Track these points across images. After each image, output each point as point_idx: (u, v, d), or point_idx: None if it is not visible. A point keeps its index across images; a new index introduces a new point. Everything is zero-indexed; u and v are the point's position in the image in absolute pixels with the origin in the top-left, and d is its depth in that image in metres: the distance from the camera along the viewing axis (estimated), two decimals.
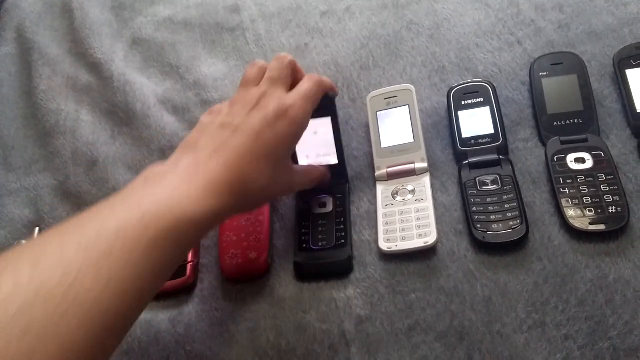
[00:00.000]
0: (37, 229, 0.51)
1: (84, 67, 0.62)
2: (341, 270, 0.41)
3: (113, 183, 0.51)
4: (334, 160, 0.45)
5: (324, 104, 0.40)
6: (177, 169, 0.33)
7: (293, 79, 0.39)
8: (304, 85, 0.37)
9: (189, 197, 0.30)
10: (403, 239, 0.40)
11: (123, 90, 0.57)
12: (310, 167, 0.44)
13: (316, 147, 0.45)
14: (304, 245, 0.42)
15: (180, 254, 0.31)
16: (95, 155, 0.54)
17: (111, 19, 0.66)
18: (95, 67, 0.61)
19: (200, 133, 0.36)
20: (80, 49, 0.63)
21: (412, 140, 0.45)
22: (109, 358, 0.27)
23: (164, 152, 0.52)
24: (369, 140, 0.47)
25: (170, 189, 0.31)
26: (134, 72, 0.60)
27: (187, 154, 0.34)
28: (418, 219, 0.41)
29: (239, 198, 0.33)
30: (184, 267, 0.44)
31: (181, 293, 0.44)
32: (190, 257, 0.45)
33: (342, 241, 0.42)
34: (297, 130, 0.36)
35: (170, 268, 0.30)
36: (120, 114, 0.56)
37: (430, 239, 0.39)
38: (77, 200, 0.52)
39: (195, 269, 0.45)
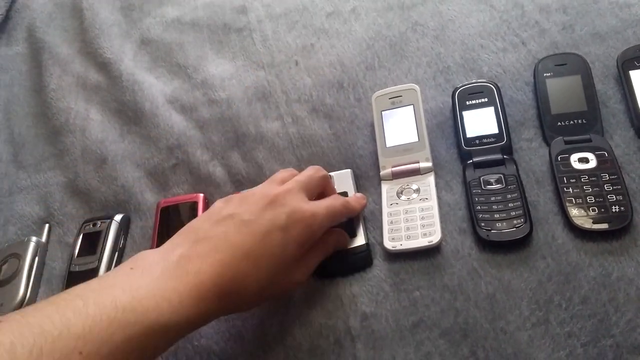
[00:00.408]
0: (46, 225, 0.52)
1: (94, 66, 0.63)
2: (361, 261, 0.41)
3: (122, 180, 0.52)
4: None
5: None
6: (167, 260, 0.31)
7: (321, 191, 0.38)
8: (329, 200, 0.37)
9: (170, 300, 0.28)
10: (408, 237, 0.41)
11: (132, 89, 0.58)
12: (322, 243, 0.38)
13: None
14: None
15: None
16: (104, 153, 0.54)
17: (120, 19, 0.67)
18: (104, 66, 0.62)
19: (206, 219, 0.34)
20: (89, 49, 0.64)
21: (417, 140, 0.45)
22: None
23: (172, 150, 0.53)
24: (374, 140, 0.48)
25: (151, 287, 0.29)
26: (142, 72, 0.60)
27: (184, 244, 0.32)
28: (422, 217, 0.42)
29: (227, 302, 0.31)
30: None
31: None
32: None
33: (356, 235, 0.42)
34: (308, 239, 0.34)
35: None
36: (129, 112, 0.57)
37: (435, 238, 0.40)
38: (86, 197, 0.53)
39: None
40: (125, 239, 0.49)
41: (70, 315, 0.26)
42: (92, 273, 0.46)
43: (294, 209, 0.34)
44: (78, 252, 0.48)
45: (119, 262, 0.48)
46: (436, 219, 0.41)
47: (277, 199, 0.34)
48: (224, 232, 0.32)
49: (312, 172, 0.39)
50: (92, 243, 0.48)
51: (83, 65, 0.63)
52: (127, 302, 0.27)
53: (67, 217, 0.52)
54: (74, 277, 0.47)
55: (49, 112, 0.60)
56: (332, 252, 0.40)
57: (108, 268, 0.47)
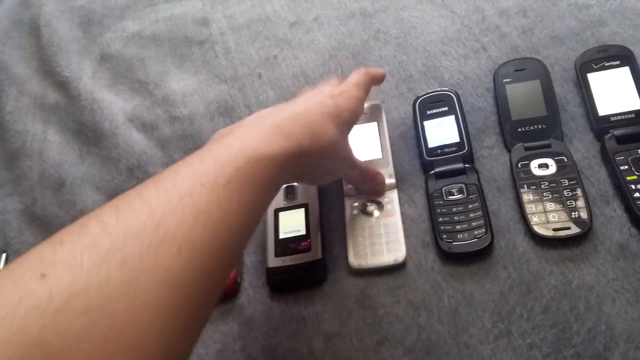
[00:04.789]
0: (4, 254, 0.50)
1: (51, 85, 0.61)
2: (314, 274, 0.41)
3: (81, 205, 0.51)
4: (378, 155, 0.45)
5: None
6: (244, 122, 0.35)
7: None
8: (352, 77, 0.41)
9: (259, 139, 0.31)
10: (372, 255, 0.40)
11: (90, 108, 0.56)
12: (371, 167, 0.43)
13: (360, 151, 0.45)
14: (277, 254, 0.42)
15: (262, 190, 0.31)
16: (63, 177, 0.53)
17: (79, 35, 0.66)
18: (62, 85, 0.60)
19: (268, 109, 0.38)
20: (47, 67, 0.62)
21: (381, 157, 0.44)
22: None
23: (132, 171, 0.52)
24: None
25: (240, 135, 0.32)
26: (102, 90, 0.59)
27: (253, 114, 0.37)
28: (387, 234, 0.41)
29: (308, 143, 0.33)
30: None
31: None
32: None
33: (311, 249, 0.42)
34: (354, 107, 0.38)
35: (256, 205, 0.30)
36: (88, 133, 0.56)
37: (400, 255, 0.40)
38: (44, 223, 0.51)
39: None
40: None
41: (174, 174, 0.28)
42: None
43: (332, 88, 0.39)
44: None
45: None
46: (400, 236, 0.41)
47: (315, 89, 0.39)
48: (284, 105, 0.36)
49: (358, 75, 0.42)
50: None
51: (41, 84, 0.61)
52: (221, 151, 0.30)
53: (24, 246, 0.50)
54: None
55: (6, 136, 0.58)
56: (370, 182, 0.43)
57: None
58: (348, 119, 0.38)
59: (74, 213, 0.50)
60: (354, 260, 0.40)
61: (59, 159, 0.54)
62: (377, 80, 0.43)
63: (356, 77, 0.41)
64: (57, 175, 0.53)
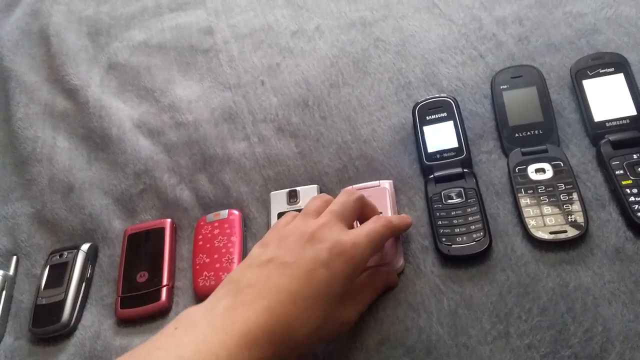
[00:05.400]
0: (14, 257, 0.52)
1: (61, 93, 0.63)
2: None
3: (89, 209, 0.52)
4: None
5: None
6: (212, 314, 0.30)
7: (360, 215, 0.37)
8: (370, 225, 0.35)
9: (217, 354, 0.27)
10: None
11: (99, 115, 0.58)
12: (371, 281, 0.38)
13: None
14: None
15: None
16: (72, 182, 0.54)
17: (87, 44, 0.68)
18: (71, 93, 0.61)
19: (247, 267, 0.33)
20: (57, 76, 0.64)
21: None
22: None
23: (139, 175, 0.53)
24: (339, 157, 0.48)
25: (198, 343, 0.28)
26: (109, 97, 0.60)
27: (228, 295, 0.31)
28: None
29: (279, 348, 0.30)
30: (159, 291, 0.45)
31: (157, 317, 0.44)
32: (165, 280, 0.45)
33: None
34: (354, 271, 0.33)
35: None
36: (97, 139, 0.57)
37: (399, 265, 0.40)
38: (54, 227, 0.52)
39: (170, 292, 0.45)
40: (93, 269, 0.49)
41: None
42: (59, 306, 0.45)
43: (333, 243, 0.33)
44: (45, 285, 0.47)
45: (86, 293, 0.48)
46: (399, 245, 0.41)
47: (315, 235, 0.33)
48: (266, 277, 0.31)
49: (345, 197, 0.37)
50: (59, 275, 0.47)
51: (50, 92, 0.63)
52: None
53: (34, 249, 0.52)
54: (41, 311, 0.46)
55: (16, 142, 0.59)
56: (382, 292, 0.39)
57: (75, 299, 0.46)
58: (343, 287, 0.32)
59: (82, 216, 0.52)
60: None
61: (68, 164, 0.56)
62: (400, 232, 0.38)
63: (373, 226, 0.35)
64: (66, 180, 0.54)
